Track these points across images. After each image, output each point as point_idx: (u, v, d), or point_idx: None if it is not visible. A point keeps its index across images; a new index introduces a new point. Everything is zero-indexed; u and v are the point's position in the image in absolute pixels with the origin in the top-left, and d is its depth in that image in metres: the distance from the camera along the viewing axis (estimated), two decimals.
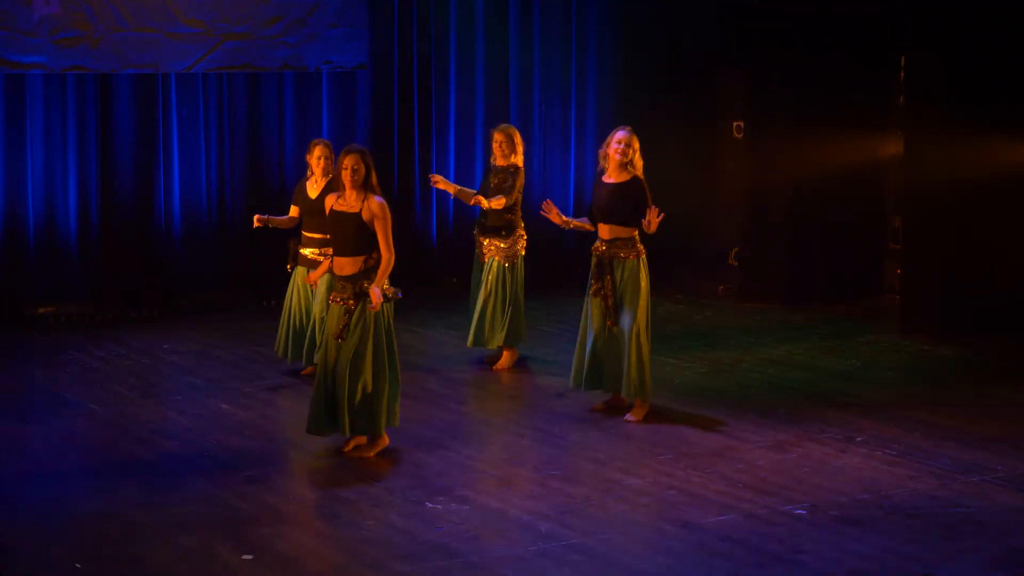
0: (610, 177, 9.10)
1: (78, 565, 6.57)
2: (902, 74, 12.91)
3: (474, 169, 14.04)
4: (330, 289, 8.48)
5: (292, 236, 10.26)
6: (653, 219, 8.88)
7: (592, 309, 9.15)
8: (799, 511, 7.36)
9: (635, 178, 9.04)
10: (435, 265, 13.96)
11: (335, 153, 10.02)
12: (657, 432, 8.88)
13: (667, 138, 13.54)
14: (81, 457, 8.43)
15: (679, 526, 7.16)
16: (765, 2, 13.19)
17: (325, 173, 9.97)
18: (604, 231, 9.09)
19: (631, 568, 6.62)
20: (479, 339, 10.51)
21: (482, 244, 10.54)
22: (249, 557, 6.69)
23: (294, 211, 10.20)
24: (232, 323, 12.40)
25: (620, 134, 9.09)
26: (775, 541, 6.93)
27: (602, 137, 14.36)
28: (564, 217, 9.31)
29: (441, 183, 10.70)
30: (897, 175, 13.01)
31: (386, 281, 8.14)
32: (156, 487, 7.77)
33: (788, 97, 13.06)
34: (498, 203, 10.30)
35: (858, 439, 8.69)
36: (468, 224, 14.02)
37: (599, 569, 6.60)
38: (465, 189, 10.86)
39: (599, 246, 9.11)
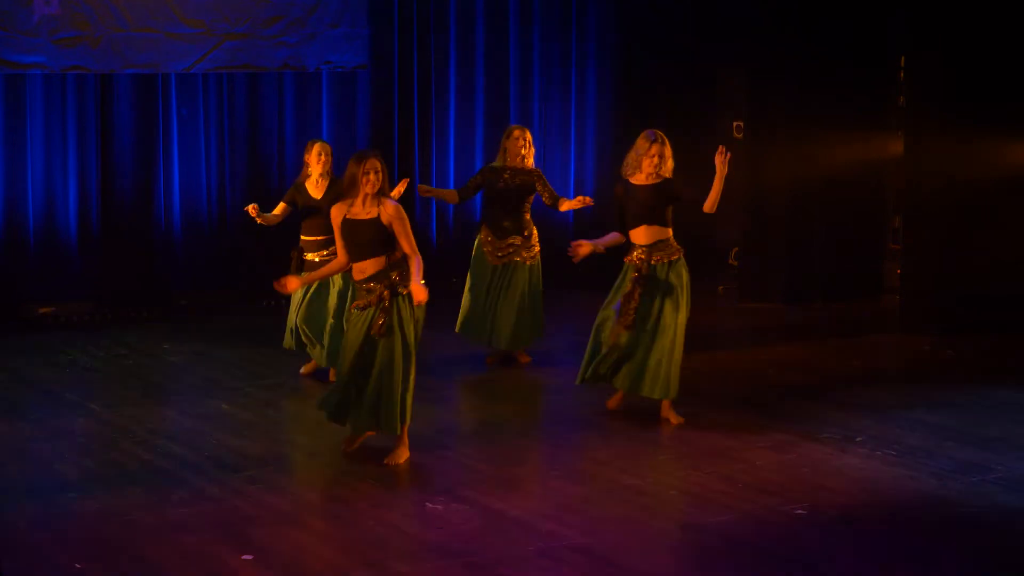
0: (640, 180, 8.99)
1: (78, 565, 6.57)
2: (902, 74, 12.93)
3: (474, 169, 14.04)
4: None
5: (292, 244, 10.14)
6: (722, 159, 8.88)
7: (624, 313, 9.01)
8: (799, 511, 7.36)
9: (667, 179, 9.00)
10: (435, 265, 13.95)
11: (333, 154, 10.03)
12: (657, 432, 8.88)
13: (667, 137, 13.53)
14: (81, 457, 8.43)
15: (679, 526, 7.16)
16: (765, 2, 13.20)
17: (324, 172, 9.94)
18: (643, 236, 8.96)
19: (631, 568, 6.62)
20: (520, 340, 10.59)
21: (499, 247, 10.52)
22: (249, 557, 6.69)
23: (281, 208, 10.06)
24: (232, 323, 12.40)
25: (655, 146, 8.94)
26: (775, 541, 6.92)
27: (602, 136, 14.55)
28: (594, 244, 9.05)
29: (425, 192, 10.70)
30: (897, 175, 13.03)
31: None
32: (156, 487, 7.76)
33: (788, 97, 13.07)
34: (572, 204, 10.42)
35: (858, 439, 8.69)
36: (469, 224, 14.05)
37: (599, 569, 6.60)
38: (442, 190, 11.02)
39: (639, 254, 8.98)
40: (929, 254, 11.88)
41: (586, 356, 9.22)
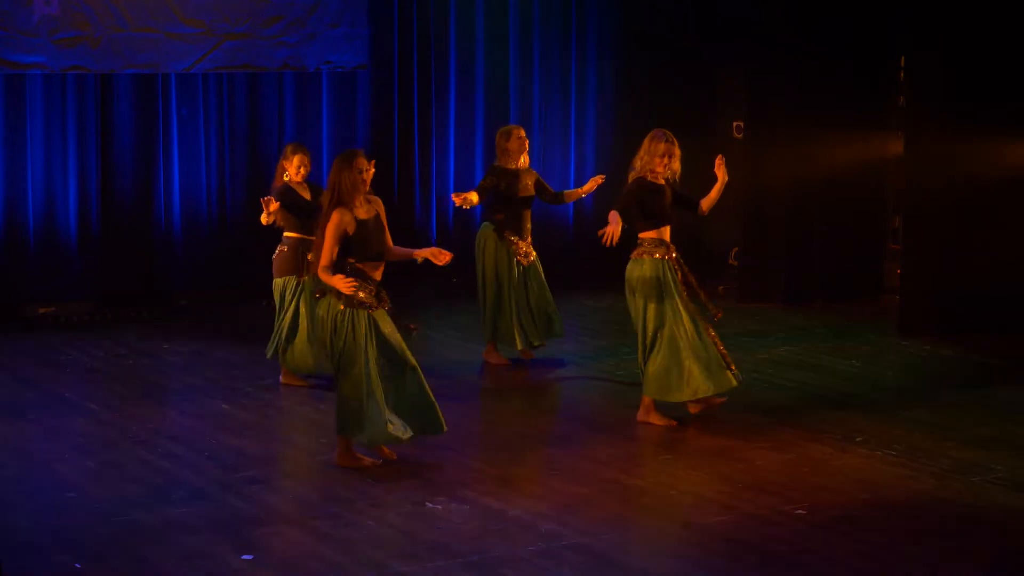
0: (658, 179, 8.99)
1: (78, 565, 6.58)
2: (902, 74, 12.92)
3: (474, 169, 14.04)
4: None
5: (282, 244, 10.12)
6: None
7: (682, 316, 8.90)
8: (799, 511, 7.36)
9: (675, 180, 9.05)
10: (435, 265, 13.91)
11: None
12: (657, 432, 8.88)
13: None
14: (81, 457, 8.43)
15: (679, 526, 7.16)
16: (765, 2, 13.20)
17: (302, 180, 9.95)
18: (669, 233, 8.99)
19: (631, 568, 6.62)
20: (556, 331, 10.68)
21: (524, 247, 10.53)
22: (249, 557, 6.69)
23: (275, 207, 9.96)
24: (232, 323, 12.39)
25: (667, 146, 8.90)
26: (775, 541, 6.93)
27: (602, 136, 14.54)
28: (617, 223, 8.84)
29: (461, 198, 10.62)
30: (897, 175, 13.02)
31: None
32: (156, 487, 7.77)
33: (788, 97, 13.06)
34: (581, 191, 10.71)
35: (858, 439, 8.69)
36: (468, 224, 14.04)
37: (599, 569, 6.61)
38: (469, 194, 10.87)
39: (672, 249, 8.97)
40: (929, 254, 11.87)
41: (700, 372, 8.91)
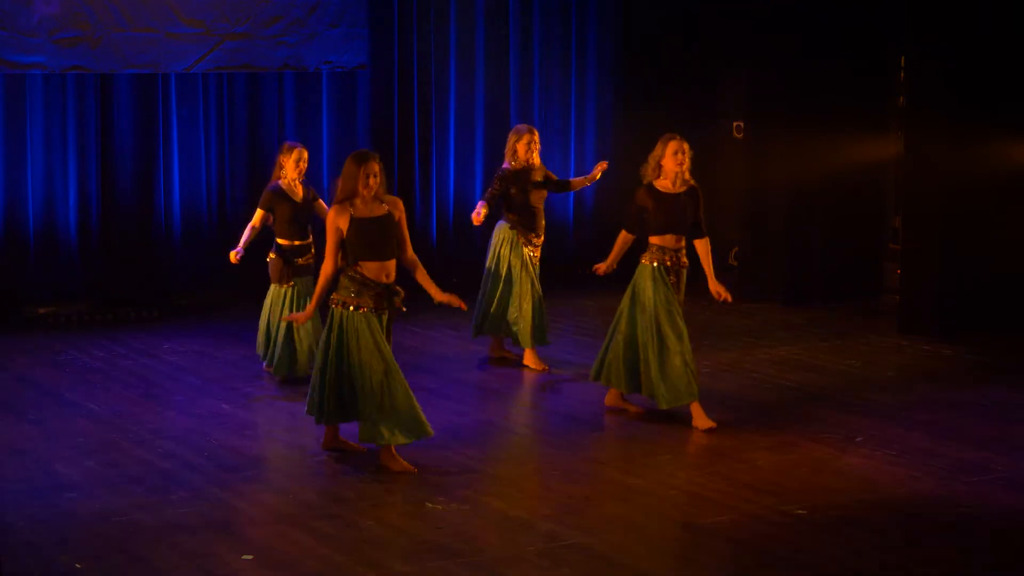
0: (669, 188, 8.97)
1: (78, 565, 6.58)
2: (902, 74, 12.92)
3: (474, 169, 14.04)
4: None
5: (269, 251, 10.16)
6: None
7: (673, 319, 9.03)
8: (799, 511, 7.36)
9: (694, 187, 9.03)
10: (435, 265, 13.94)
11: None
12: (657, 432, 8.88)
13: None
14: (81, 457, 8.43)
15: (679, 526, 7.16)
16: (765, 3, 13.20)
17: (299, 177, 10.00)
18: (676, 241, 8.99)
19: (631, 568, 6.63)
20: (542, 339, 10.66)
21: (537, 244, 10.60)
22: (249, 557, 6.70)
23: (260, 217, 10.04)
24: (232, 323, 12.39)
25: (679, 143, 8.98)
26: (775, 541, 6.93)
27: (602, 136, 14.54)
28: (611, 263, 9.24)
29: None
30: (897, 175, 13.02)
31: None
32: (156, 487, 7.77)
33: (788, 97, 13.05)
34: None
35: (858, 439, 8.70)
36: (467, 224, 14.03)
37: (599, 569, 6.61)
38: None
39: (673, 256, 9.01)
40: (929, 254, 11.87)
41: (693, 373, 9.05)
